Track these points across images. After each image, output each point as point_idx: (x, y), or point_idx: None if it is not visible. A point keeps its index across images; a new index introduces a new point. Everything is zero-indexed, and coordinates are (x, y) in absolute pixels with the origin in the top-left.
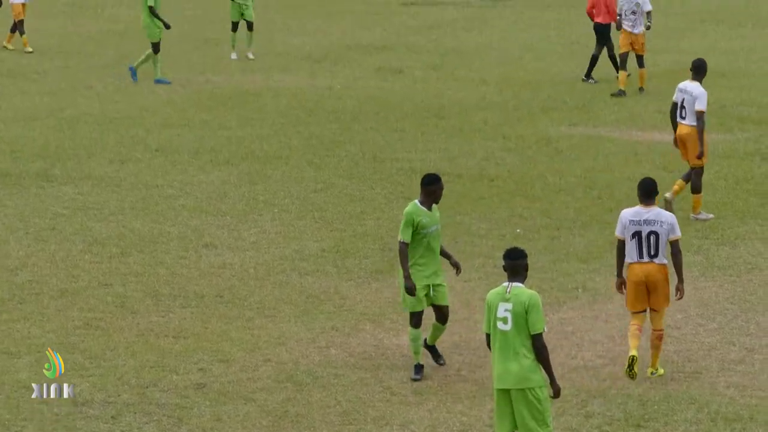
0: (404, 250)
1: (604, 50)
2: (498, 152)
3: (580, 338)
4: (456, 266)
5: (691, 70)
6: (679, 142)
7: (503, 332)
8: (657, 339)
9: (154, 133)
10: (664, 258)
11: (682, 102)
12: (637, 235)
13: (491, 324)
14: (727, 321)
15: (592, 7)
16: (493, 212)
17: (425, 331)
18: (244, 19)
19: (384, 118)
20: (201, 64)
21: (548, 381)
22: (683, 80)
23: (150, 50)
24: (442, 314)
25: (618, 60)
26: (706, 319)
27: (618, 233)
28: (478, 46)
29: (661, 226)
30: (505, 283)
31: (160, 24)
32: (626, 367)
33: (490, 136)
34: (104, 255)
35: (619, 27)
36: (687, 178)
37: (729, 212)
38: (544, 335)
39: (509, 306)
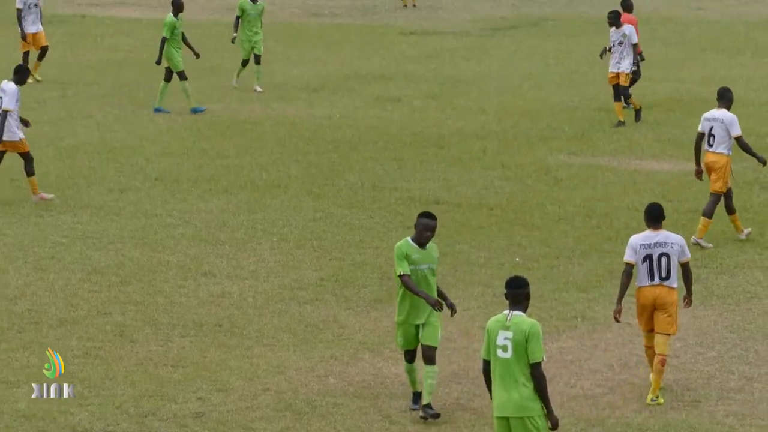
0: (407, 280)
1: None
2: (497, 181)
3: (579, 367)
4: (451, 308)
5: (717, 99)
6: (709, 171)
7: (503, 360)
8: (660, 364)
9: (154, 162)
10: (675, 282)
11: (711, 130)
12: (648, 258)
13: (491, 351)
14: (726, 349)
15: None
16: (492, 241)
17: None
18: (253, 53)
19: (383, 148)
20: (199, 93)
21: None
22: (682, 109)
23: (185, 83)
24: (427, 354)
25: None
26: (705, 347)
27: (628, 258)
28: (477, 75)
29: (672, 247)
30: (506, 311)
31: (178, 53)
32: (649, 398)
33: (489, 165)
34: (103, 284)
35: (601, 56)
36: (731, 209)
37: (728, 241)
38: (542, 364)
39: (509, 334)
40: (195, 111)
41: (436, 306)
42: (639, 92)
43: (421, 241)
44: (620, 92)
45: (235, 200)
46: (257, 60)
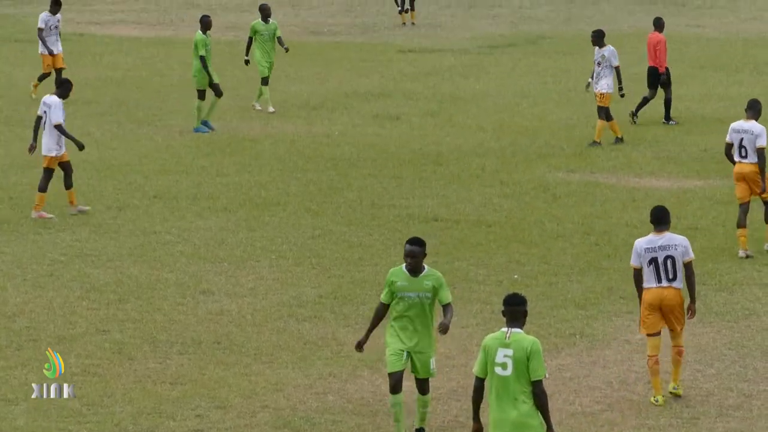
0: (378, 309)
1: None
2: (495, 198)
3: (578, 384)
4: (441, 325)
5: (746, 110)
6: (741, 180)
7: (502, 378)
8: (678, 355)
9: (152, 180)
10: (681, 282)
11: (741, 141)
12: (653, 261)
13: (488, 369)
14: (725, 367)
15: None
16: (490, 258)
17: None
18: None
19: (382, 165)
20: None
21: (546, 428)
22: (680, 126)
23: (214, 98)
24: (419, 385)
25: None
26: (704, 364)
27: (633, 262)
28: (475, 93)
29: (676, 249)
30: (504, 329)
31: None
32: (653, 398)
33: (487, 182)
34: (102, 301)
35: (587, 88)
36: (743, 223)
37: (727, 258)
38: (543, 382)
39: (509, 352)
40: (197, 130)
41: (356, 349)
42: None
43: (409, 268)
44: (598, 111)
45: (234, 218)
46: (265, 81)
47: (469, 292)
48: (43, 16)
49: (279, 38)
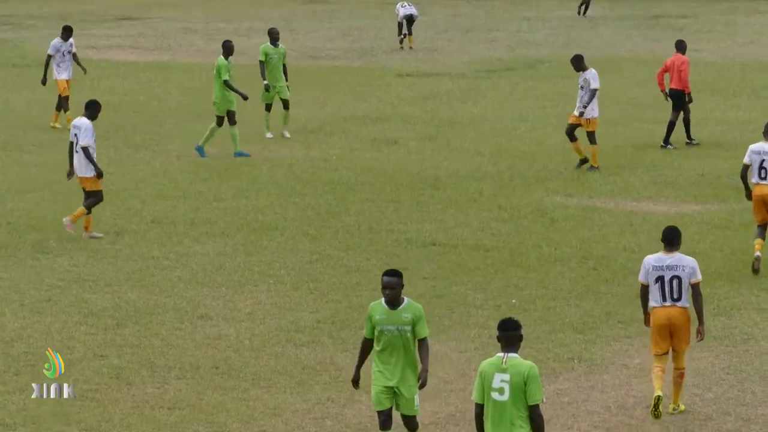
0: (363, 344)
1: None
2: (493, 222)
3: (576, 409)
4: (419, 378)
5: (765, 133)
6: (760, 202)
7: (499, 403)
8: (679, 377)
9: (150, 205)
10: (686, 302)
11: (762, 163)
12: (660, 279)
13: (485, 394)
14: (723, 391)
15: (665, 71)
16: (488, 282)
17: None
18: (280, 98)
19: (379, 189)
20: (197, 135)
21: None
22: (678, 151)
23: (213, 125)
24: (406, 422)
25: (689, 125)
26: (702, 389)
27: (641, 278)
28: (473, 117)
29: (683, 270)
30: (500, 354)
31: (233, 98)
32: (651, 407)
33: (485, 206)
34: (100, 326)
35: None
36: (762, 235)
37: (725, 282)
38: (541, 406)
39: (506, 377)
40: (198, 149)
41: (352, 382)
42: (637, 134)
43: (387, 300)
44: (588, 136)
45: (232, 242)
46: (285, 105)
47: (467, 317)
48: (55, 43)
49: (284, 66)
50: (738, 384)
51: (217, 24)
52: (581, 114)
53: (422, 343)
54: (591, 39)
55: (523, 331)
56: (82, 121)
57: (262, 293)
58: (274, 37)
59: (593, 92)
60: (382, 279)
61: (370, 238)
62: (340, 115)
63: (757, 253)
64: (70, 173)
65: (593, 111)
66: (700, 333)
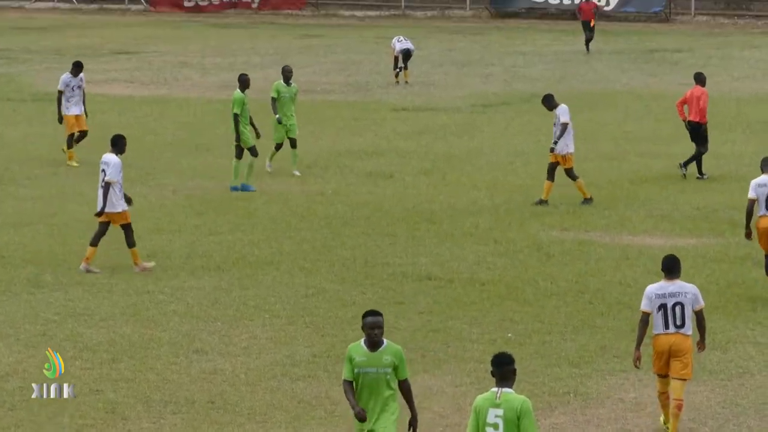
0: (345, 387)
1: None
2: (489, 257)
3: None
4: (410, 425)
5: (761, 167)
6: (765, 234)
7: None
8: (676, 408)
9: (145, 239)
10: (689, 329)
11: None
12: (663, 307)
13: (479, 429)
14: (719, 425)
15: (684, 103)
16: (484, 316)
17: None
18: (288, 137)
19: (375, 223)
20: (192, 169)
21: None
22: (674, 185)
23: (251, 158)
24: None
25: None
26: (698, 423)
27: (643, 307)
28: (468, 151)
29: (686, 296)
30: (494, 389)
31: (247, 129)
32: (663, 423)
33: (481, 240)
34: (95, 361)
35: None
36: None
37: (720, 316)
38: None
39: (500, 412)
40: (245, 188)
41: (358, 417)
42: (633, 168)
43: (371, 342)
44: (566, 173)
45: (227, 277)
46: (293, 144)
47: (462, 351)
48: (64, 78)
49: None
50: (734, 418)
51: (214, 58)
52: (552, 150)
53: (404, 384)
54: (586, 73)
55: (516, 366)
56: (111, 158)
57: (258, 327)
58: (286, 75)
59: (564, 126)
60: (365, 320)
61: (365, 272)
62: (336, 149)
63: None
64: (101, 211)
65: (568, 147)
66: (700, 345)
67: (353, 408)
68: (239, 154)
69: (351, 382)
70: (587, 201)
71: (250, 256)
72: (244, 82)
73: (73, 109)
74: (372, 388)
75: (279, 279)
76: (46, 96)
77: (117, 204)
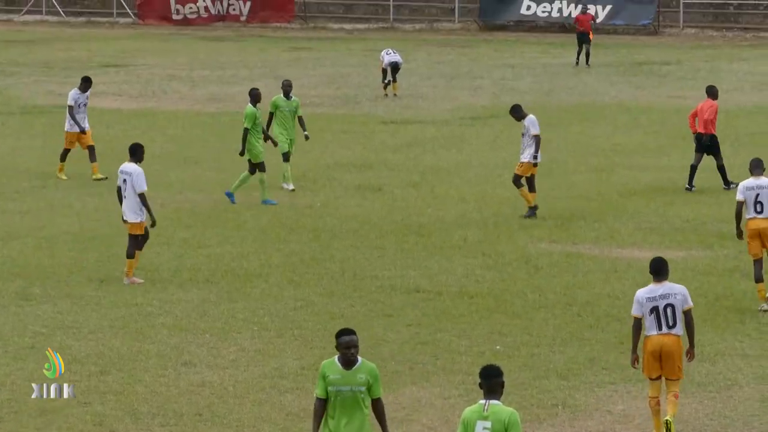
0: (316, 406)
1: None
2: (478, 269)
3: None
4: None
5: (752, 169)
6: (756, 237)
7: None
8: (673, 397)
9: None
10: (680, 330)
11: (757, 197)
12: (654, 309)
13: None
14: None
15: (695, 116)
16: (472, 329)
17: None
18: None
19: (364, 236)
20: (180, 182)
21: None
22: (662, 198)
23: (261, 174)
24: None
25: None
26: None
27: (634, 312)
28: (457, 164)
29: (675, 297)
30: (482, 401)
31: (259, 144)
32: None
33: (469, 253)
34: (83, 373)
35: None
36: (761, 276)
37: (709, 328)
38: None
39: (488, 424)
40: (267, 202)
41: None
42: (621, 180)
43: (346, 360)
44: (513, 178)
45: (216, 289)
46: (286, 158)
47: (451, 363)
48: (73, 94)
49: (300, 118)
50: (722, 430)
51: (202, 71)
52: (535, 164)
53: (377, 403)
54: (575, 86)
55: (504, 378)
56: (132, 167)
57: (246, 340)
58: (286, 89)
59: (536, 138)
60: (339, 339)
61: (354, 285)
62: (324, 162)
63: (764, 305)
64: (126, 220)
65: (529, 156)
66: (690, 354)
67: None
68: (252, 170)
69: (324, 401)
70: (532, 210)
71: (239, 268)
72: (255, 96)
73: (76, 126)
74: (345, 407)
75: (267, 292)
76: (34, 109)
77: (137, 214)
